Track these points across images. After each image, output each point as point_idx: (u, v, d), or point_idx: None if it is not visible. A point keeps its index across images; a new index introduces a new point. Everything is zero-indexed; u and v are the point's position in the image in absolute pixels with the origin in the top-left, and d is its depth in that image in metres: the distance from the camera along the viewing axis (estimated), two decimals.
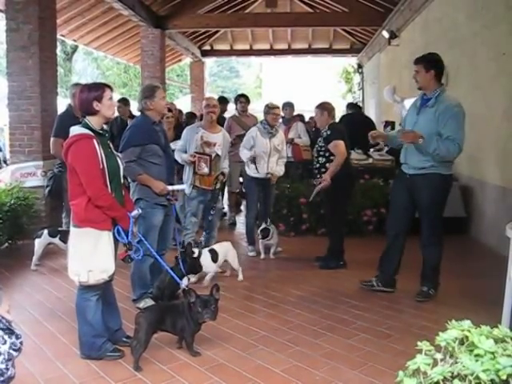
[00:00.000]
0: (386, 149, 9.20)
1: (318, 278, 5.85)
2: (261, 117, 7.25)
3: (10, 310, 2.28)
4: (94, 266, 3.64)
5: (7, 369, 2.10)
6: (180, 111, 9.71)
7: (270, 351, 3.92)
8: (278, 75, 31.71)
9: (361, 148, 8.92)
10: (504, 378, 1.39)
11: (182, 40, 15.58)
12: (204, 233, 6.24)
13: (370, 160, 8.92)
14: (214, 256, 5.55)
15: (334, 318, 4.60)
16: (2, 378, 2.08)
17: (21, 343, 2.20)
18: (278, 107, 6.92)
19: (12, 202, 6.73)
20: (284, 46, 18.74)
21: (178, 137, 6.62)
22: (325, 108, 6.20)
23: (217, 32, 17.41)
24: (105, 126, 4.01)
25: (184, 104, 17.71)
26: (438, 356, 1.53)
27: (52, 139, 6.63)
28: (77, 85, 6.94)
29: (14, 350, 2.15)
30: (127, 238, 3.80)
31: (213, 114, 5.97)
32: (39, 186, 7.55)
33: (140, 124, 4.84)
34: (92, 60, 33.34)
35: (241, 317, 4.65)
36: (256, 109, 13.06)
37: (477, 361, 1.44)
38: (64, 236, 5.86)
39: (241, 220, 8.98)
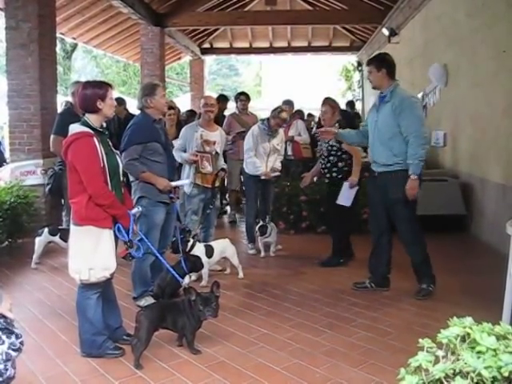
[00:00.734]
0: None
1: (319, 275, 5.85)
2: (260, 115, 7.24)
3: (12, 309, 2.27)
4: (95, 264, 3.64)
5: (6, 369, 2.09)
6: (178, 109, 9.68)
7: (271, 349, 3.92)
8: (277, 73, 31.67)
9: None
10: (506, 374, 1.39)
11: (181, 38, 15.55)
12: (201, 230, 6.24)
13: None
14: (209, 251, 5.53)
15: (334, 315, 4.61)
16: (0, 379, 2.07)
17: (21, 343, 2.19)
18: (286, 119, 6.98)
19: (12, 200, 6.73)
20: (284, 44, 18.72)
21: (179, 135, 6.61)
22: (333, 105, 6.20)
23: (216, 30, 17.37)
24: (103, 124, 4.00)
25: (184, 102, 17.70)
26: (440, 353, 1.53)
27: (52, 137, 6.62)
28: (77, 83, 6.94)
29: (14, 350, 2.14)
30: (128, 235, 3.80)
31: (211, 113, 5.97)
32: (39, 185, 7.56)
33: (141, 122, 4.84)
34: (91, 58, 33.29)
35: (241, 314, 4.65)
36: (256, 107, 13.06)
37: (479, 358, 1.44)
38: (64, 234, 5.86)
39: (241, 218, 8.97)
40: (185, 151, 5.90)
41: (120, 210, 3.76)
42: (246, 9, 15.44)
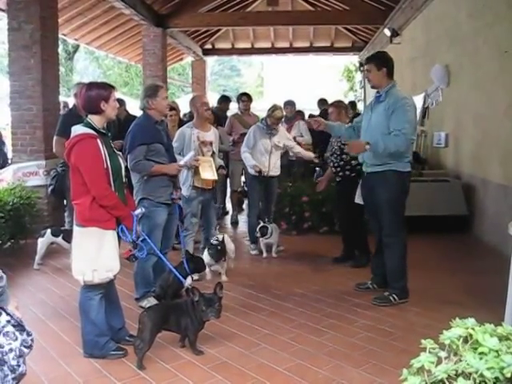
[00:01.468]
0: None
1: (321, 276, 5.85)
2: (262, 116, 7.25)
3: (19, 307, 2.29)
4: (98, 265, 3.65)
5: (18, 365, 2.11)
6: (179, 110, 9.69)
7: (273, 350, 3.92)
8: (279, 74, 31.68)
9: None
10: (508, 375, 1.39)
11: (183, 39, 15.56)
12: (202, 231, 6.25)
13: None
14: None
15: (336, 316, 4.61)
16: (13, 375, 2.08)
17: (32, 340, 2.20)
18: (282, 117, 6.97)
19: (14, 201, 6.74)
20: (285, 45, 18.70)
21: None
22: (341, 106, 6.19)
23: (218, 31, 17.38)
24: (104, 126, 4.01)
25: (185, 103, 17.69)
26: (442, 354, 1.53)
27: (55, 138, 6.62)
28: (79, 84, 6.95)
29: (26, 346, 2.16)
30: (131, 237, 3.81)
31: (210, 112, 5.99)
32: (41, 186, 7.57)
33: (143, 123, 4.84)
34: (93, 59, 33.35)
35: (243, 315, 4.65)
36: (257, 107, 13.05)
37: (481, 359, 1.45)
38: (67, 235, 5.88)
39: (243, 219, 8.98)
40: (180, 153, 5.83)
41: (123, 211, 3.77)
42: (248, 9, 15.45)
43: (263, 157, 6.69)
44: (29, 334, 2.22)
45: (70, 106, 7.74)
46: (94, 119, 3.74)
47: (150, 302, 4.70)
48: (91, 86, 3.84)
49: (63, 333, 4.28)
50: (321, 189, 6.62)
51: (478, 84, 7.50)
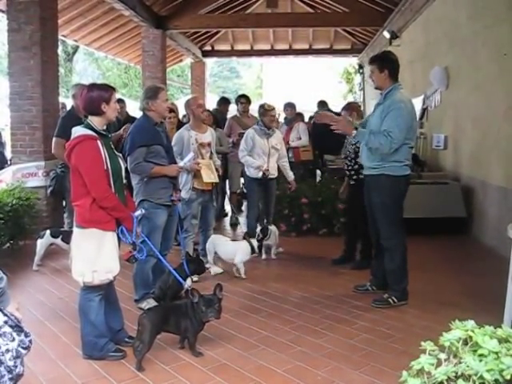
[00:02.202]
0: None
1: (320, 278, 5.85)
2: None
3: (20, 308, 2.29)
4: (98, 267, 3.65)
5: (15, 366, 2.11)
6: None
7: (272, 351, 3.92)
8: (278, 76, 31.68)
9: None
10: (508, 377, 1.40)
11: (182, 40, 15.57)
12: (200, 232, 6.25)
13: None
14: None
15: (335, 318, 4.61)
16: (10, 375, 2.08)
17: (30, 341, 2.20)
18: (274, 108, 6.88)
19: (13, 202, 6.72)
20: (285, 47, 18.73)
21: None
22: (354, 108, 6.18)
23: (218, 32, 17.41)
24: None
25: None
26: (442, 356, 1.54)
27: (54, 139, 6.62)
28: (78, 85, 6.95)
29: (23, 347, 2.16)
30: (131, 238, 3.81)
31: (206, 113, 6.00)
32: (41, 187, 7.56)
33: (142, 125, 4.84)
34: (93, 60, 33.36)
35: (242, 317, 4.65)
36: (256, 109, 13.02)
37: (481, 361, 1.45)
38: (66, 236, 5.86)
39: (242, 220, 8.96)
40: (179, 156, 5.80)
41: (123, 212, 3.77)
42: (248, 11, 15.47)
43: (261, 159, 6.68)
44: (27, 335, 2.22)
45: (68, 107, 7.74)
46: (95, 120, 3.75)
47: (150, 303, 4.70)
48: (92, 87, 3.84)
49: (62, 334, 4.27)
50: (342, 196, 6.61)
51: (478, 86, 7.51)
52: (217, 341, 4.09)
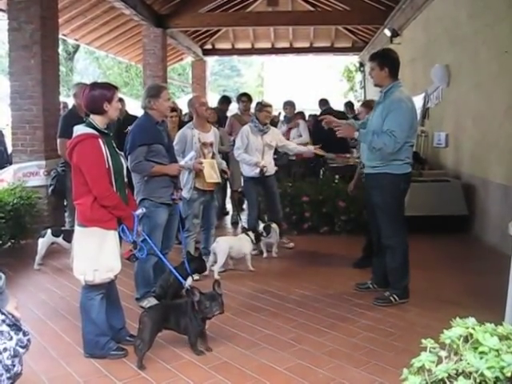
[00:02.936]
0: None
1: (321, 276, 5.85)
2: None
3: (18, 308, 2.29)
4: (100, 265, 3.66)
5: (13, 365, 2.11)
6: (180, 110, 9.72)
7: (274, 350, 3.92)
8: (279, 74, 31.68)
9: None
10: (508, 375, 1.40)
11: (183, 39, 15.57)
12: (202, 231, 6.25)
13: None
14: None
15: (337, 316, 4.61)
16: (8, 374, 2.08)
17: (28, 340, 2.20)
18: (270, 105, 6.89)
19: (15, 201, 6.75)
20: (285, 45, 18.71)
21: None
22: (370, 106, 6.18)
23: (218, 31, 17.39)
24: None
25: (185, 103, 17.68)
26: (443, 353, 1.54)
27: (58, 140, 6.63)
28: (79, 84, 6.95)
29: (21, 346, 2.16)
30: (132, 236, 3.81)
31: (209, 111, 6.00)
32: (42, 186, 7.57)
33: (144, 124, 4.84)
34: (93, 59, 33.34)
35: (244, 315, 4.66)
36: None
37: (481, 358, 1.45)
38: (67, 235, 5.88)
39: (243, 219, 8.96)
40: (181, 155, 5.78)
41: (125, 211, 3.77)
42: (248, 10, 15.44)
43: (255, 157, 6.66)
44: (25, 334, 2.22)
45: (70, 106, 7.75)
46: (97, 119, 3.75)
47: (151, 302, 4.71)
48: (95, 86, 3.85)
49: (64, 333, 4.28)
50: (351, 190, 6.50)
51: (478, 84, 7.50)
52: (218, 339, 4.10)
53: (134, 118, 6.22)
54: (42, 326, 4.41)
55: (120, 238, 3.81)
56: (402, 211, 4.99)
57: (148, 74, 13.29)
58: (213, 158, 5.95)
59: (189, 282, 4.64)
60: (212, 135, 6.00)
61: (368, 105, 6.26)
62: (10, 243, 6.77)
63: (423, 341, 1.58)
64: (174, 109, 7.18)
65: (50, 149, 7.28)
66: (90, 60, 33.80)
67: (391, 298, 4.89)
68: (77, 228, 3.75)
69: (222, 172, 6.14)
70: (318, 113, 11.80)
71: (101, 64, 33.52)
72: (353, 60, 20.74)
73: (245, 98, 9.03)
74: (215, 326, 4.15)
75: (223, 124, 8.95)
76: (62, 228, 6.46)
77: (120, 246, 3.86)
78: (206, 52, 18.87)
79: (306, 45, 18.62)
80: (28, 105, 7.66)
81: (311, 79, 28.09)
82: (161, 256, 4.39)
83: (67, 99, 11.46)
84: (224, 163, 6.33)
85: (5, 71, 17.17)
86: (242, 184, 7.59)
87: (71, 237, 5.52)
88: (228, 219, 9.36)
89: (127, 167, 4.14)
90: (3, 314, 2.16)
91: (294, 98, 10.30)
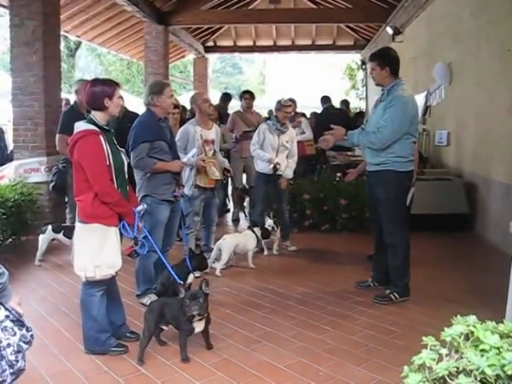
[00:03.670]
0: None
1: (322, 274, 5.85)
2: (264, 113, 7.23)
3: (21, 303, 2.29)
4: (101, 262, 3.66)
5: (17, 361, 2.10)
6: (183, 107, 9.73)
7: (274, 347, 3.92)
8: (281, 72, 31.65)
9: None
10: (509, 373, 1.39)
11: (185, 36, 15.55)
12: (203, 228, 6.25)
13: None
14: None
15: (337, 314, 4.61)
16: (11, 370, 2.08)
17: (31, 336, 2.20)
18: (291, 105, 6.86)
19: (16, 197, 6.74)
20: (287, 43, 18.69)
21: None
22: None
23: (220, 28, 17.40)
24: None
25: (187, 100, 17.68)
26: (444, 351, 1.53)
27: (57, 136, 6.63)
28: (81, 81, 6.95)
29: (25, 342, 2.15)
30: (133, 233, 3.81)
31: (212, 107, 6.00)
32: (43, 182, 7.57)
33: (146, 120, 4.83)
34: (95, 56, 33.36)
35: (244, 313, 4.66)
36: (259, 105, 13.03)
37: (482, 356, 1.44)
38: (68, 232, 5.89)
39: (244, 216, 8.97)
40: (183, 151, 5.79)
41: (126, 207, 3.77)
42: (250, 7, 15.43)
43: (269, 154, 6.66)
44: (28, 330, 2.21)
45: (72, 102, 7.75)
46: (98, 116, 3.74)
47: (151, 298, 4.70)
48: (96, 82, 3.84)
49: (64, 329, 4.28)
50: (349, 179, 6.32)
51: (481, 82, 7.49)
52: (218, 336, 4.10)
53: (134, 114, 6.21)
54: (42, 322, 4.41)
55: (121, 234, 3.81)
56: (405, 209, 4.99)
57: (149, 71, 13.28)
58: (214, 155, 5.94)
59: (190, 279, 4.64)
60: (214, 132, 5.99)
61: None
62: (11, 239, 6.77)
63: (424, 338, 1.57)
64: (177, 106, 7.17)
65: (51, 145, 7.27)
66: (92, 57, 33.83)
67: (391, 296, 4.89)
68: (78, 224, 3.75)
69: (225, 171, 6.14)
70: (319, 110, 11.83)
71: (102, 61, 33.54)
72: (355, 58, 20.71)
73: (247, 95, 9.02)
74: (215, 323, 4.15)
75: (224, 121, 8.95)
76: (63, 224, 6.47)
77: (121, 242, 3.86)
78: (208, 49, 18.85)
79: (308, 42, 18.60)
80: (29, 101, 7.66)
81: (313, 77, 28.06)
82: (160, 254, 4.37)
83: (69, 96, 11.47)
84: (226, 161, 6.32)
85: (7, 67, 17.17)
86: (254, 179, 7.52)
87: (72, 233, 5.51)
88: (229, 216, 9.36)
89: (129, 163, 4.13)
90: (7, 309, 2.16)
91: (295, 95, 10.28)
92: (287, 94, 10.48)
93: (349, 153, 9.84)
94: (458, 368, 1.45)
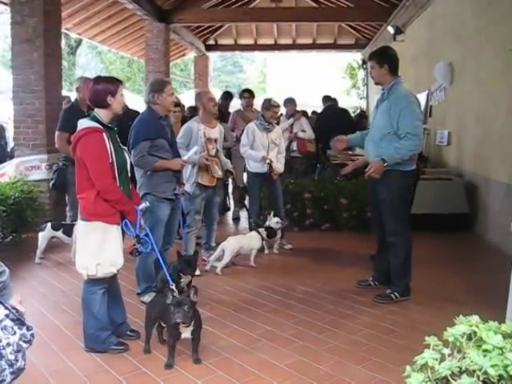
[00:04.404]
0: None
1: (323, 273, 5.85)
2: None
3: (22, 301, 2.28)
4: (102, 260, 3.65)
5: (16, 360, 2.10)
6: (183, 105, 9.73)
7: (274, 346, 3.92)
8: (282, 70, 31.58)
9: None
10: None
11: (186, 34, 15.55)
12: (204, 227, 6.25)
13: None
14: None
15: (338, 313, 4.61)
16: (11, 369, 2.08)
17: (32, 335, 2.19)
18: (279, 106, 6.90)
19: (16, 195, 6.73)
20: (288, 41, 18.68)
21: None
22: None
23: (221, 27, 17.39)
24: None
25: (188, 98, 17.67)
26: (446, 351, 1.53)
27: (57, 133, 6.62)
28: (81, 78, 6.94)
29: (25, 341, 2.15)
30: (135, 231, 3.80)
31: (217, 107, 5.99)
32: (43, 180, 7.58)
33: (147, 118, 4.84)
34: (96, 54, 33.33)
35: (245, 311, 4.65)
36: (260, 104, 12.99)
37: (485, 356, 1.44)
38: (67, 229, 5.89)
39: (244, 215, 8.96)
40: (186, 148, 5.80)
41: (128, 205, 3.76)
42: (251, 6, 15.43)
43: (261, 153, 6.65)
44: (28, 329, 2.21)
45: (72, 100, 7.74)
46: (101, 113, 3.74)
47: (152, 296, 4.69)
48: (98, 79, 3.84)
49: (65, 327, 4.28)
50: (346, 172, 6.19)
51: (482, 82, 7.48)
52: (219, 335, 4.10)
53: (135, 112, 6.21)
54: (42, 319, 4.41)
55: (123, 232, 3.81)
56: (408, 209, 4.99)
57: (150, 69, 13.28)
58: (216, 154, 5.93)
59: (189, 278, 4.60)
60: (217, 131, 5.99)
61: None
62: (11, 237, 6.76)
63: (426, 338, 1.57)
64: (178, 104, 7.16)
65: (51, 143, 7.25)
66: (93, 54, 33.78)
67: (392, 296, 4.89)
68: (80, 222, 3.74)
69: (228, 172, 6.13)
70: (320, 110, 11.80)
71: (103, 58, 33.52)
72: (355, 57, 20.69)
73: (247, 94, 9.03)
74: (216, 322, 4.15)
75: (226, 120, 8.94)
76: (62, 222, 6.46)
77: (123, 240, 3.86)
78: (209, 47, 18.84)
79: (309, 41, 18.59)
80: (30, 99, 7.66)
81: (314, 76, 28.01)
82: (158, 253, 4.34)
83: (69, 93, 11.45)
84: (229, 163, 6.29)
85: (7, 65, 17.17)
86: (246, 179, 7.56)
87: (71, 231, 5.53)
88: (229, 215, 9.35)
89: (130, 162, 4.13)
90: (7, 308, 2.16)
91: (296, 94, 10.28)
92: (288, 93, 10.51)
93: (350, 152, 9.82)
94: (460, 368, 1.45)
